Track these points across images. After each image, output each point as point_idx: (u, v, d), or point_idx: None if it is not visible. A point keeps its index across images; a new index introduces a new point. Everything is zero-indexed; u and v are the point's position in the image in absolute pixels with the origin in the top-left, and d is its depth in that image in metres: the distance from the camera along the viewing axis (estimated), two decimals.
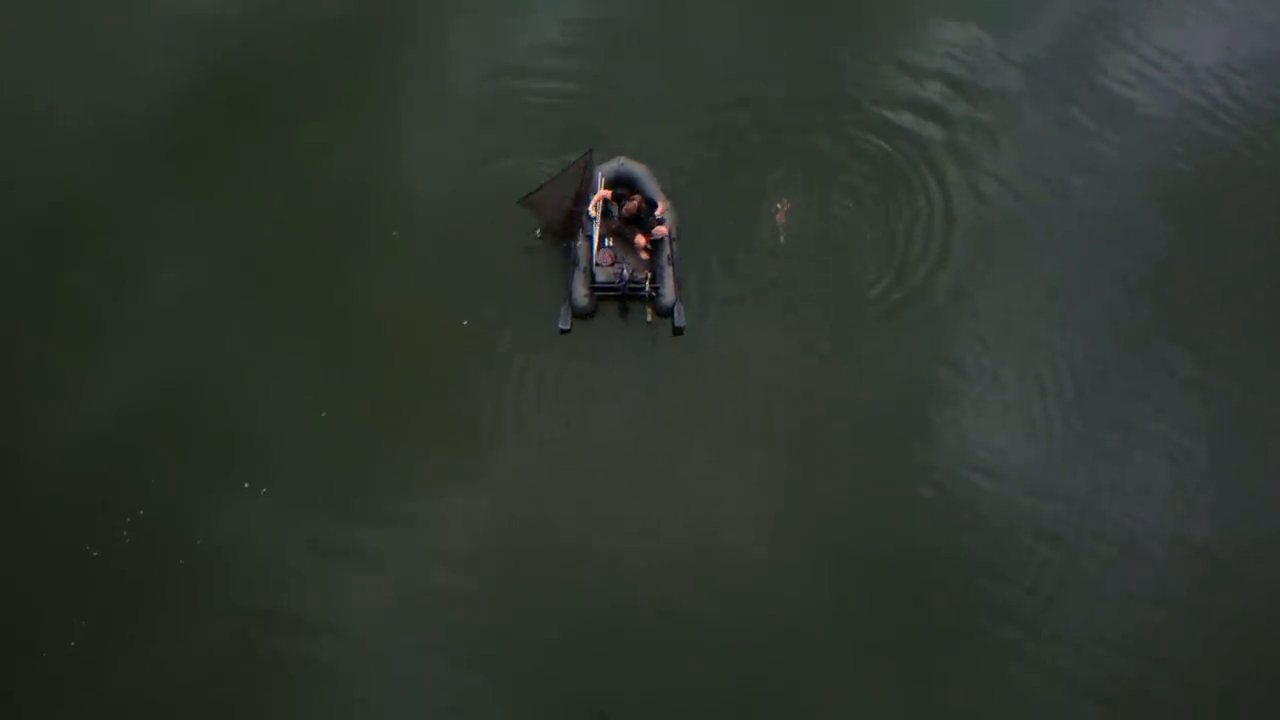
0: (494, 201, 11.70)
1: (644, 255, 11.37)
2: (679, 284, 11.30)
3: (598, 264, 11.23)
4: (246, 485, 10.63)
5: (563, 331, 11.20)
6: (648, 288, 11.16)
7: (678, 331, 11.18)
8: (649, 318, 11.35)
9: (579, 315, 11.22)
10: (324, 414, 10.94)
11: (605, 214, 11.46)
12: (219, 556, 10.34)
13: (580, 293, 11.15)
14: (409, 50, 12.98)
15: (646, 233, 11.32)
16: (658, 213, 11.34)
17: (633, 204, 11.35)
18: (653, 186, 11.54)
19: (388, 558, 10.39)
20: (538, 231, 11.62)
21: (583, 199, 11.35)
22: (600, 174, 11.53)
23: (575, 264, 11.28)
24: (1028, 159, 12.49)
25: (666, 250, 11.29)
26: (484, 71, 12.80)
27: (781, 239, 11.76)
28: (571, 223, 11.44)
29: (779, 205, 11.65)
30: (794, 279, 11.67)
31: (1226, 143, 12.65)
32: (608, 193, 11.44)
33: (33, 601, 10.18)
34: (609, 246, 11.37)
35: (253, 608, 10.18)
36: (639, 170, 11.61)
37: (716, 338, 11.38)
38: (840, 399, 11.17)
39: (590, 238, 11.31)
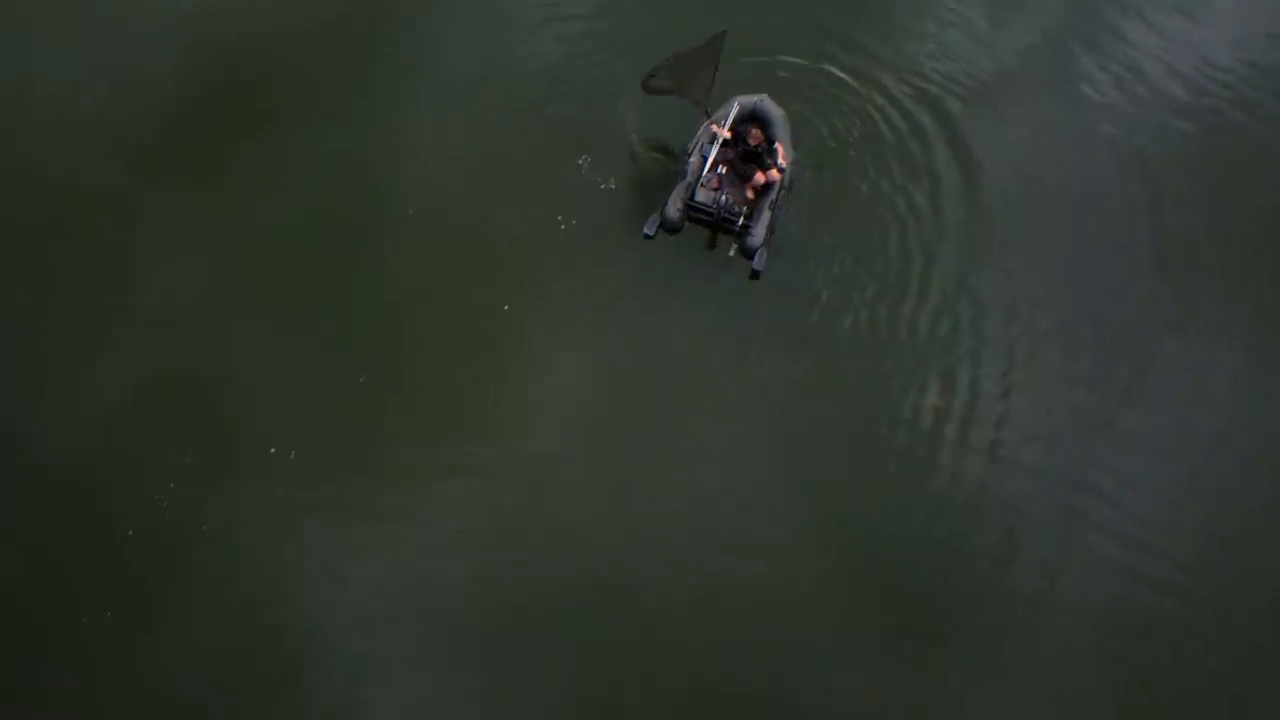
0: (505, 181, 11.93)
1: (749, 194, 11.28)
2: (772, 231, 11.16)
3: (702, 184, 11.17)
4: (262, 461, 10.72)
5: (646, 237, 11.20)
6: (741, 222, 11.07)
7: (754, 275, 11.03)
8: (731, 252, 11.25)
9: (666, 228, 11.19)
10: (361, 379, 11.01)
11: (725, 143, 11.38)
12: (230, 541, 10.45)
13: (675, 205, 11.11)
14: (415, 33, 12.99)
15: (765, 170, 11.18)
16: (780, 159, 11.20)
17: (756, 136, 11.16)
18: (783, 133, 11.41)
19: (397, 539, 10.46)
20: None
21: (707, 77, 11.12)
22: (737, 104, 11.48)
23: (681, 177, 11.26)
24: (1038, 122, 12.30)
25: (772, 195, 11.17)
26: (490, 52, 12.77)
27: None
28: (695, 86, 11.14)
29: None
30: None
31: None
32: (728, 133, 11.31)
33: (42, 593, 10.36)
34: (720, 173, 11.31)
35: (260, 594, 10.27)
36: (775, 113, 11.49)
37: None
38: (847, 388, 11.06)
39: (705, 157, 11.26)
